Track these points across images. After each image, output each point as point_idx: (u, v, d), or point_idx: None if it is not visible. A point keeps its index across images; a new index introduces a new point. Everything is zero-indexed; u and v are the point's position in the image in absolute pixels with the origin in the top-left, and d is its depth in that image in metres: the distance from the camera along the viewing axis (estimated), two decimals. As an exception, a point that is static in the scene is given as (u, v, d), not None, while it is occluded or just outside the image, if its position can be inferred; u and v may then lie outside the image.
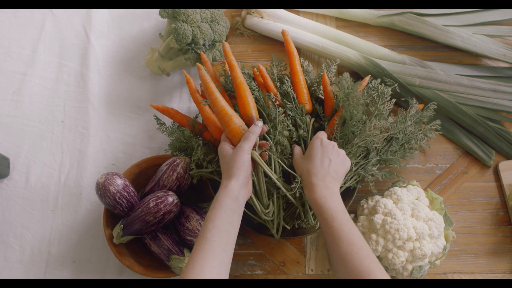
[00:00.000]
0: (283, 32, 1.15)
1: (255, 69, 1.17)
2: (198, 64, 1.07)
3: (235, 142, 0.98)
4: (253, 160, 0.99)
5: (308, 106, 1.12)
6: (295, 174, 1.04)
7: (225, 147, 0.97)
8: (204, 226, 0.88)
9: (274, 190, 1.04)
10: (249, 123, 1.02)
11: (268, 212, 1.03)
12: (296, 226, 1.09)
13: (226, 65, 1.17)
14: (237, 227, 0.91)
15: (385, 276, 0.81)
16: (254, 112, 1.02)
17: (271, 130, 1.06)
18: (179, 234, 1.11)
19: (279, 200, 1.05)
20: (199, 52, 1.22)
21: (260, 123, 0.99)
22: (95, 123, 1.30)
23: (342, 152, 1.01)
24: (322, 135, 1.03)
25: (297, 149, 1.06)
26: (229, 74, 1.12)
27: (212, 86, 1.04)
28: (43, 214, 1.22)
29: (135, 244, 1.13)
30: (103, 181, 1.06)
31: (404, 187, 1.14)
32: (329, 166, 0.96)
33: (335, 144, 1.02)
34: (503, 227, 1.21)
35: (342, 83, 1.11)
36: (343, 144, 1.07)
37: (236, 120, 0.99)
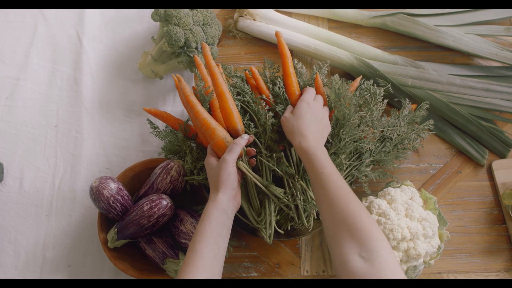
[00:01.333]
0: (276, 34, 1.15)
1: (247, 71, 1.17)
2: (177, 75, 1.06)
3: (220, 154, 0.99)
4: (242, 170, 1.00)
5: None
6: (287, 178, 1.04)
7: (210, 160, 0.99)
8: (193, 239, 0.89)
9: (264, 197, 1.04)
10: (234, 134, 1.02)
11: (261, 219, 1.04)
12: (289, 228, 1.09)
13: (220, 67, 1.18)
14: (227, 239, 0.92)
15: (369, 218, 0.82)
16: (238, 123, 1.03)
17: (262, 135, 1.06)
18: (174, 237, 1.11)
19: (271, 206, 1.04)
20: (191, 55, 1.22)
21: (246, 136, 1.00)
22: (89, 127, 1.30)
23: (326, 117, 1.04)
24: (309, 97, 1.05)
25: (289, 108, 1.07)
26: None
27: (193, 99, 1.02)
28: (37, 219, 1.22)
29: (130, 248, 1.13)
30: (96, 185, 1.06)
31: (398, 187, 1.14)
32: (316, 126, 0.99)
33: (320, 106, 1.04)
34: (497, 226, 1.22)
35: (333, 84, 1.11)
36: (337, 143, 1.07)
37: (220, 133, 0.99)
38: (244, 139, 0.99)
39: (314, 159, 0.91)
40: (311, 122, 0.99)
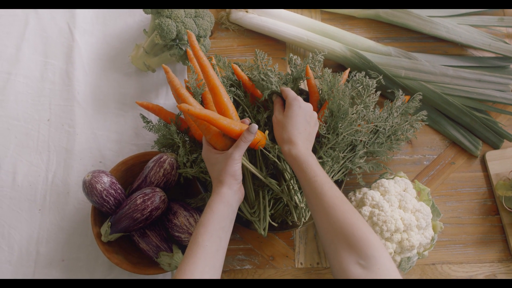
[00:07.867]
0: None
1: (234, 64, 1.15)
2: (164, 66, 0.99)
3: (217, 147, 0.96)
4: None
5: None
6: (282, 171, 1.04)
7: (210, 154, 0.96)
8: (195, 231, 0.88)
9: (260, 188, 1.04)
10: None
11: (254, 212, 1.03)
12: (290, 223, 1.09)
13: (214, 59, 1.17)
14: (229, 233, 0.91)
15: (366, 225, 0.82)
16: (235, 118, 0.99)
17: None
18: (167, 230, 1.11)
19: (265, 199, 1.04)
20: (184, 48, 1.21)
21: (255, 128, 0.93)
22: (81, 121, 1.29)
23: (315, 115, 1.03)
24: (295, 95, 1.03)
25: (278, 105, 1.06)
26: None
27: (184, 92, 0.97)
28: (31, 214, 1.21)
29: (124, 241, 1.13)
30: (89, 179, 1.06)
31: (391, 178, 1.14)
32: (305, 130, 0.98)
33: (310, 106, 1.03)
34: (491, 217, 1.22)
35: (325, 77, 1.10)
36: (334, 138, 1.07)
37: (214, 127, 0.95)
38: (253, 133, 0.93)
39: (306, 167, 0.90)
40: (301, 126, 0.97)
